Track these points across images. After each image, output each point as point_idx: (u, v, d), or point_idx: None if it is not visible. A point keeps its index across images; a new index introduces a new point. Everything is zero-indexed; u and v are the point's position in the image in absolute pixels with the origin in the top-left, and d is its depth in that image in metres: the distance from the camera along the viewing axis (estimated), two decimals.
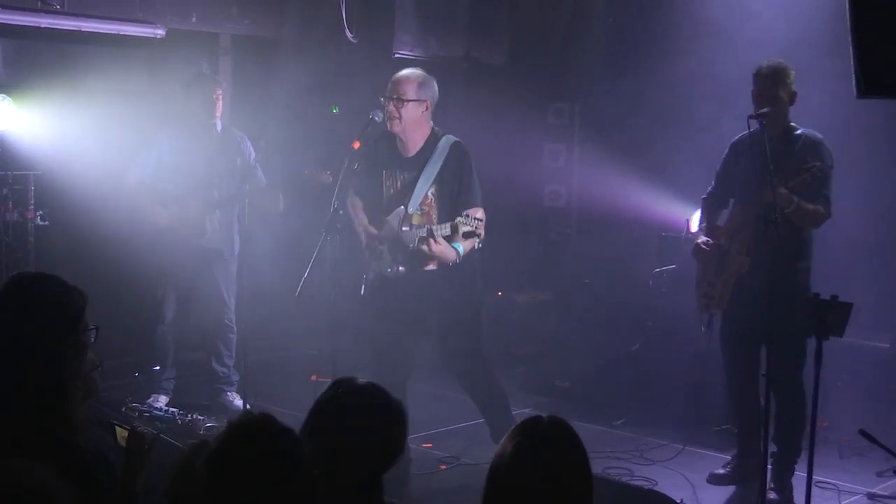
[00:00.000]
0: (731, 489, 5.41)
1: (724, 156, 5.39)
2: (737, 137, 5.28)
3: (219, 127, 6.30)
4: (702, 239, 5.39)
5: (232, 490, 2.16)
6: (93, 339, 2.82)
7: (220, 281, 6.39)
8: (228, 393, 6.52)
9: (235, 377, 6.51)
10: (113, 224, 6.53)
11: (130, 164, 6.28)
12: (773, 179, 4.71)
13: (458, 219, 4.80)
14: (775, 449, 5.18)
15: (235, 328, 6.44)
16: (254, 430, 2.26)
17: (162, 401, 6.32)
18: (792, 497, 5.18)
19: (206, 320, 6.50)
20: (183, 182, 6.16)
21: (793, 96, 5.14)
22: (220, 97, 6.24)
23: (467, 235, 4.79)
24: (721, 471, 5.49)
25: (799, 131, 5.15)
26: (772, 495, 5.08)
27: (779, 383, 4.94)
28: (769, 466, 4.85)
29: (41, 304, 2.71)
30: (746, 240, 5.14)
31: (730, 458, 5.54)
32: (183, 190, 6.17)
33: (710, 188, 5.55)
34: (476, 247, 4.89)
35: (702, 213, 5.60)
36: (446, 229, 4.87)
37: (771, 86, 5.07)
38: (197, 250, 6.25)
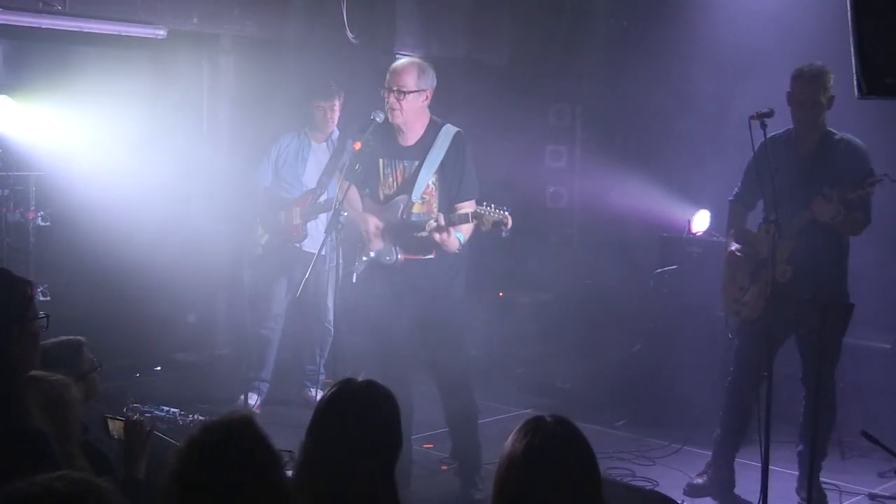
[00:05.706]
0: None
1: (755, 154, 4.93)
2: (769, 136, 4.91)
3: (335, 135, 6.47)
4: (734, 246, 5.24)
5: (195, 485, 2.21)
6: (44, 327, 2.92)
7: (323, 284, 6.38)
8: (311, 389, 6.55)
9: (322, 377, 6.54)
10: (114, 224, 6.55)
11: (253, 172, 6.50)
12: (827, 190, 4.77)
13: (481, 208, 4.79)
14: (801, 448, 5.16)
15: (332, 330, 6.30)
16: (229, 431, 2.29)
17: (253, 399, 6.40)
18: (825, 497, 5.17)
19: (309, 322, 6.62)
20: (298, 189, 6.37)
21: (831, 100, 5.04)
22: (338, 106, 6.42)
23: (496, 224, 4.76)
24: (699, 481, 5.39)
25: (837, 136, 5.07)
26: (816, 495, 5.00)
27: (817, 385, 4.90)
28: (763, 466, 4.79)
29: None
30: (789, 248, 4.99)
31: (704, 466, 5.43)
32: (295, 195, 6.37)
33: (737, 189, 5.38)
34: (503, 235, 4.79)
35: (729, 216, 5.41)
36: (465, 218, 4.86)
37: (812, 90, 4.99)
38: (300, 254, 6.31)
